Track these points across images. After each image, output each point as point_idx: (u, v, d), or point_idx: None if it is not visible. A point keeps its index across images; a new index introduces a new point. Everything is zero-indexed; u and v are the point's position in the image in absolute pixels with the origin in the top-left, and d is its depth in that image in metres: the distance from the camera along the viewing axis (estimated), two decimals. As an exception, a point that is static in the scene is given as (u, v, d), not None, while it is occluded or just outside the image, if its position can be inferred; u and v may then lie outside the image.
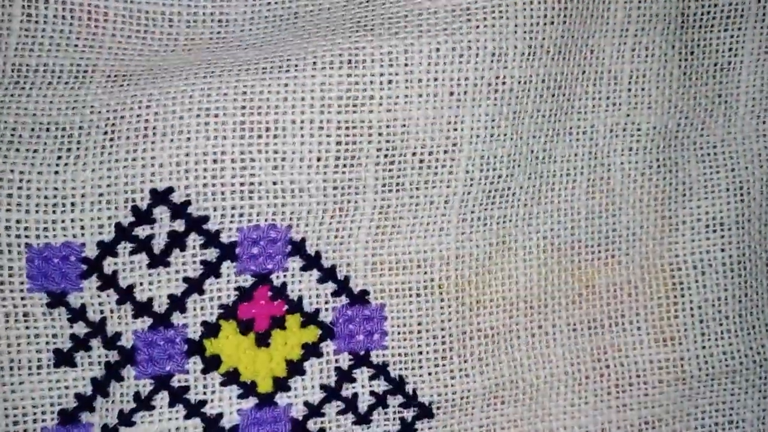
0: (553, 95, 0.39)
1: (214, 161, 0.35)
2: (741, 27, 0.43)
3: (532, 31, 0.37)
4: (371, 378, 0.38)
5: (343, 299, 0.38)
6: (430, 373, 0.38)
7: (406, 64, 0.36)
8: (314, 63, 0.35)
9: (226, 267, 0.37)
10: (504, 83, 0.37)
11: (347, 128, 0.36)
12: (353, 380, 0.38)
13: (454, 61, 0.36)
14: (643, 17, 0.40)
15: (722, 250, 0.42)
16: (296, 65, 0.35)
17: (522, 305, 0.40)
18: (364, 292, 0.38)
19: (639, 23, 0.40)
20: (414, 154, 0.37)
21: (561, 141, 0.40)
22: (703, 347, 0.41)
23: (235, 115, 0.35)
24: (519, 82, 0.38)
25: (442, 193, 0.38)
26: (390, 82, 0.36)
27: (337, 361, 0.38)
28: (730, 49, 0.43)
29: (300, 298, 0.37)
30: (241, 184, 0.35)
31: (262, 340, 0.37)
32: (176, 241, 0.35)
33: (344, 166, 0.36)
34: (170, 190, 0.35)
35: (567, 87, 0.40)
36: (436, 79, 0.36)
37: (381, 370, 0.38)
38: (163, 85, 0.35)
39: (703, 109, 0.43)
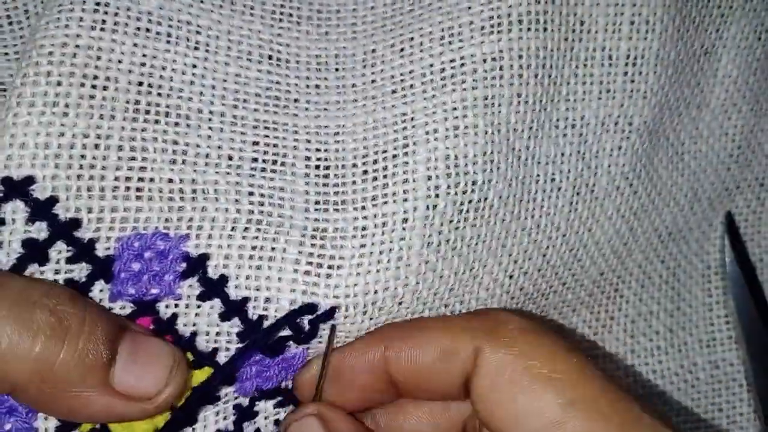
0: (536, 76, 0.31)
1: (95, 146, 0.26)
2: (732, 5, 0.37)
3: None
4: (277, 406, 0.30)
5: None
6: None
7: (336, 69, 0.31)
8: (228, 49, 0.30)
9: (98, 290, 0.26)
10: (463, 65, 0.29)
11: (266, 128, 0.29)
12: (255, 415, 0.29)
13: (394, 56, 0.30)
14: None
15: (662, 262, 0.38)
16: (207, 46, 0.29)
17: None
18: (282, 341, 0.28)
19: None
20: (354, 165, 0.29)
21: (546, 137, 0.32)
22: (632, 365, 0.38)
23: (128, 92, 0.27)
24: (484, 61, 0.29)
25: (399, 211, 0.29)
26: (318, 87, 0.31)
27: (236, 398, 0.29)
28: (717, 30, 0.38)
29: (194, 335, 0.27)
30: (127, 179, 0.27)
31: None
32: (34, 252, 0.25)
33: (263, 170, 0.29)
34: (30, 180, 0.25)
35: (553, 67, 0.32)
36: (373, 81, 0.31)
37: (290, 395, 0.30)
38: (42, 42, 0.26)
39: (682, 99, 0.37)
